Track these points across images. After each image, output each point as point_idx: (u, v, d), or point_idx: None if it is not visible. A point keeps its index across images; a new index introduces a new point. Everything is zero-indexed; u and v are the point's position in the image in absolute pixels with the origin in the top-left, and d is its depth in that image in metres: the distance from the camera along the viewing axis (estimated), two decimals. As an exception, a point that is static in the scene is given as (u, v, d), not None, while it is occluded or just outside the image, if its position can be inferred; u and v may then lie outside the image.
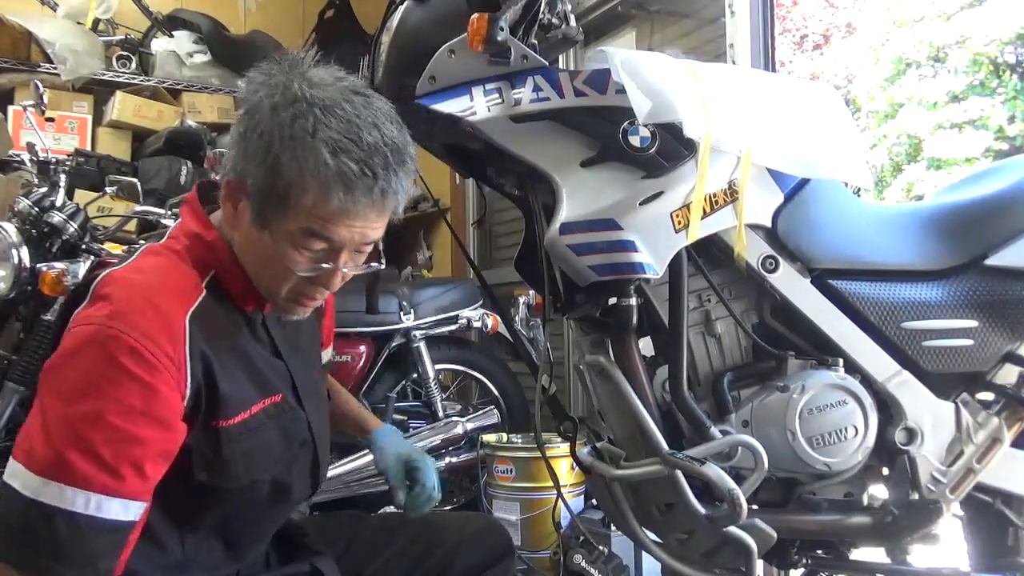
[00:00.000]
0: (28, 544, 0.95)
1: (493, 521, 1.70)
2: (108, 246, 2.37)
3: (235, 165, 1.07)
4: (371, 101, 1.08)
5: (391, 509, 2.13)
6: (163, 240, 1.16)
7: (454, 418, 2.86)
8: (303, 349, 1.28)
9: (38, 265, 2.19)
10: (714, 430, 1.35)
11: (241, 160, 1.06)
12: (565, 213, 1.31)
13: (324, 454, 1.28)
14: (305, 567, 1.27)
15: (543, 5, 1.33)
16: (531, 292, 2.89)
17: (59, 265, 2.18)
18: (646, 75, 1.29)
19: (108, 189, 2.54)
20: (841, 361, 1.40)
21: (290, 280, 1.11)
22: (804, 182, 1.42)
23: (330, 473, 2.53)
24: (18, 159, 3.11)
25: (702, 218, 1.34)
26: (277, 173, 1.03)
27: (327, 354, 1.46)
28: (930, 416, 1.41)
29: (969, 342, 1.43)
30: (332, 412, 1.43)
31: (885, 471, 1.45)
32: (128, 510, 0.98)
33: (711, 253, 1.41)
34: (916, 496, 1.40)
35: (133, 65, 4.09)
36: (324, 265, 1.09)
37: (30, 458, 0.97)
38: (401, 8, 1.38)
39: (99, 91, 3.99)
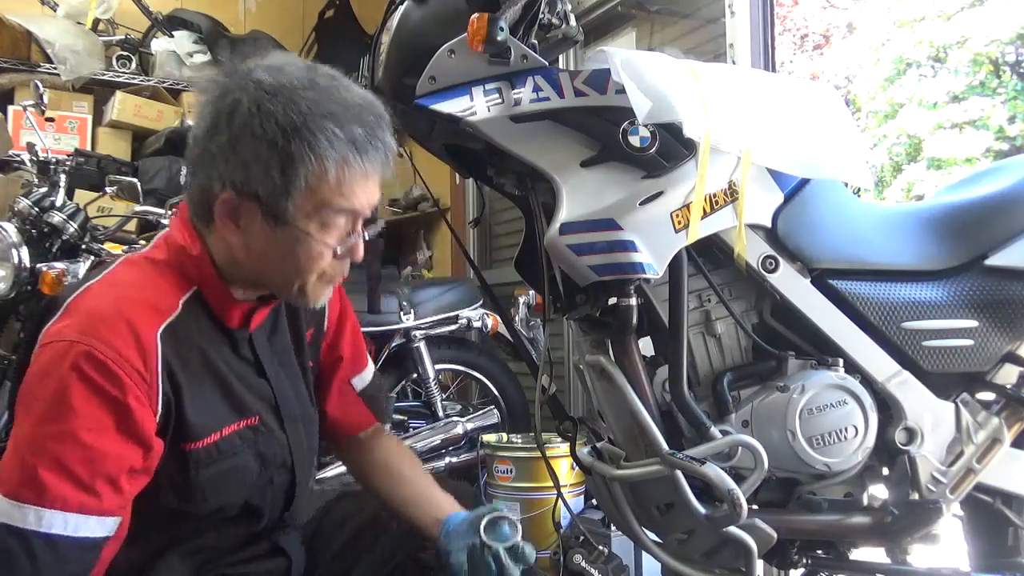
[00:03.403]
0: (5, 565, 0.93)
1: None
2: (108, 246, 2.37)
3: (229, 177, 1.02)
4: (322, 67, 1.07)
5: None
6: (145, 249, 1.14)
7: (454, 418, 2.86)
8: (291, 365, 1.24)
9: (38, 265, 2.19)
10: (714, 430, 1.35)
11: (238, 169, 1.01)
12: (565, 213, 1.31)
13: (304, 476, 1.24)
14: (267, 544, 1.22)
15: (543, 5, 1.33)
16: (531, 292, 2.89)
17: (59, 265, 2.19)
18: (646, 75, 1.29)
19: (108, 189, 2.54)
20: (841, 361, 1.40)
21: (319, 265, 1.08)
22: (804, 182, 1.42)
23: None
24: (18, 159, 3.10)
25: (702, 218, 1.34)
26: (290, 163, 1.00)
27: (368, 374, 1.37)
28: (930, 416, 1.41)
29: (969, 342, 1.43)
30: (391, 497, 1.31)
31: (885, 471, 1.45)
32: (104, 526, 0.98)
33: (711, 253, 1.41)
34: (916, 496, 1.40)
35: (133, 65, 4.10)
36: (351, 237, 1.09)
37: (1, 481, 0.94)
38: (401, 8, 1.38)
39: (99, 91, 4.00)
